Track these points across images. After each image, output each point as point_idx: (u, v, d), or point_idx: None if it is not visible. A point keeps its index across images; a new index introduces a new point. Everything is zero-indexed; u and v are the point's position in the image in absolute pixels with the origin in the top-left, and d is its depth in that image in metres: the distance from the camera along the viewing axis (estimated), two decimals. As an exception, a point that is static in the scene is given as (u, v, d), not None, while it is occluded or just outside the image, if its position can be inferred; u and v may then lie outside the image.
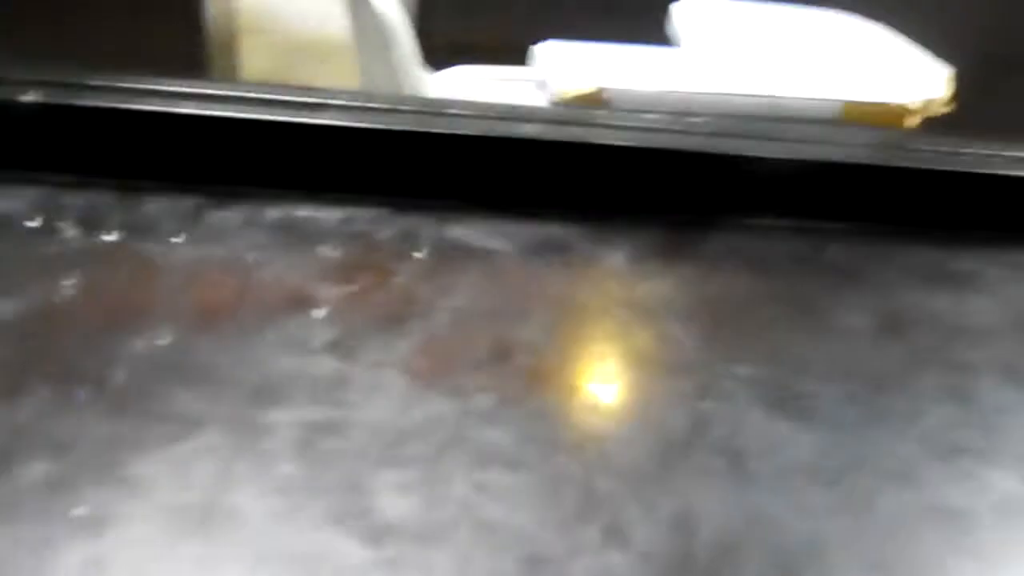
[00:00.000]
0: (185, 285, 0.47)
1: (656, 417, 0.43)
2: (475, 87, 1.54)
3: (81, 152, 0.53)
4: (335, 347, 0.43)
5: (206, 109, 0.53)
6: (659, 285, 0.52)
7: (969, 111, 1.30)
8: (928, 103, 1.28)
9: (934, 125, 1.28)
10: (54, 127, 0.53)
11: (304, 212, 0.53)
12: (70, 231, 0.49)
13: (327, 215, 0.53)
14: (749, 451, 0.41)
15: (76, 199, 0.51)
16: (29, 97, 0.51)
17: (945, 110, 1.30)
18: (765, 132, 0.60)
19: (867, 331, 0.51)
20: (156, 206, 0.52)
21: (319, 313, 0.46)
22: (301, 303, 0.46)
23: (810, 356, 0.48)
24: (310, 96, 0.55)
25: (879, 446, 0.43)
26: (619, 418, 0.43)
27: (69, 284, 0.45)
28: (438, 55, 1.71)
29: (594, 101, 1.20)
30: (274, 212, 0.53)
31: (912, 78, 1.31)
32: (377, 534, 0.34)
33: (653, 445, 0.41)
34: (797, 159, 0.59)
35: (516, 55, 1.43)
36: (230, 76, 2.06)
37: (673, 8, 1.58)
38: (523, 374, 0.44)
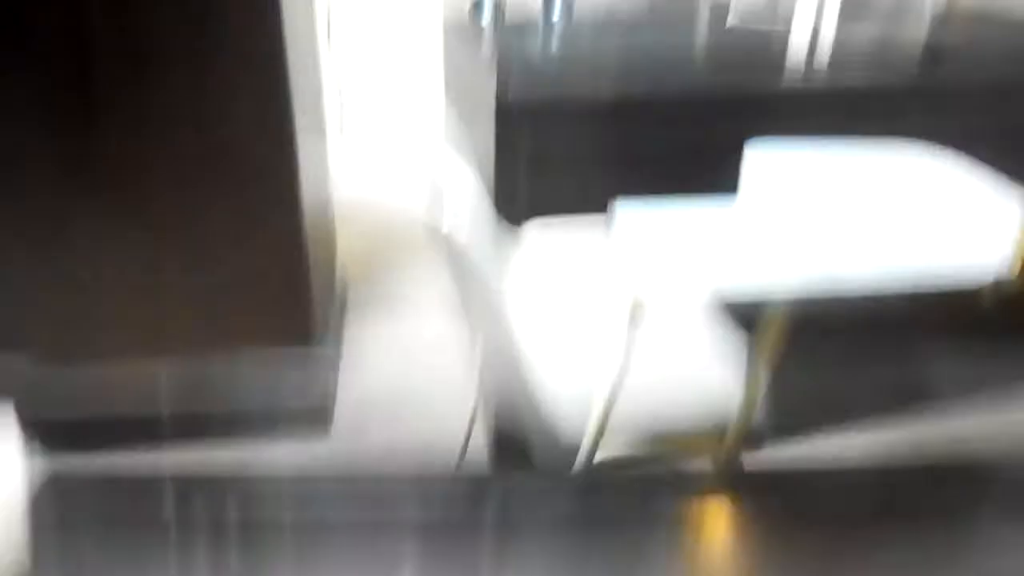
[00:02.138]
0: None
1: None
2: (555, 246, 1.54)
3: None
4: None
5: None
6: None
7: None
8: (998, 284, 1.27)
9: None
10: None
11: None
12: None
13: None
14: None
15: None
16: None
17: (1017, 285, 1.27)
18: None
19: None
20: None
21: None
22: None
23: None
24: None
25: None
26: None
27: None
28: (516, 213, 1.73)
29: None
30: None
31: (980, 256, 1.30)
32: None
33: None
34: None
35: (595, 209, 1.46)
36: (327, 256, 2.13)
37: (746, 158, 1.58)
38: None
